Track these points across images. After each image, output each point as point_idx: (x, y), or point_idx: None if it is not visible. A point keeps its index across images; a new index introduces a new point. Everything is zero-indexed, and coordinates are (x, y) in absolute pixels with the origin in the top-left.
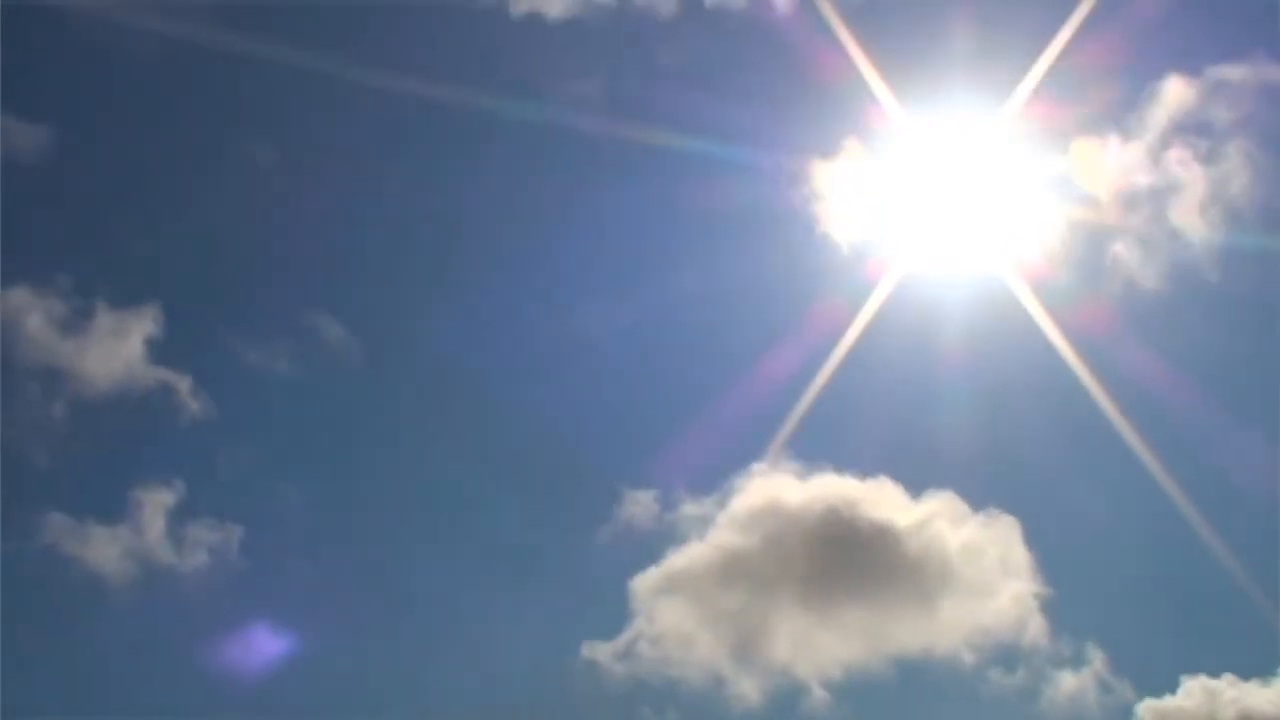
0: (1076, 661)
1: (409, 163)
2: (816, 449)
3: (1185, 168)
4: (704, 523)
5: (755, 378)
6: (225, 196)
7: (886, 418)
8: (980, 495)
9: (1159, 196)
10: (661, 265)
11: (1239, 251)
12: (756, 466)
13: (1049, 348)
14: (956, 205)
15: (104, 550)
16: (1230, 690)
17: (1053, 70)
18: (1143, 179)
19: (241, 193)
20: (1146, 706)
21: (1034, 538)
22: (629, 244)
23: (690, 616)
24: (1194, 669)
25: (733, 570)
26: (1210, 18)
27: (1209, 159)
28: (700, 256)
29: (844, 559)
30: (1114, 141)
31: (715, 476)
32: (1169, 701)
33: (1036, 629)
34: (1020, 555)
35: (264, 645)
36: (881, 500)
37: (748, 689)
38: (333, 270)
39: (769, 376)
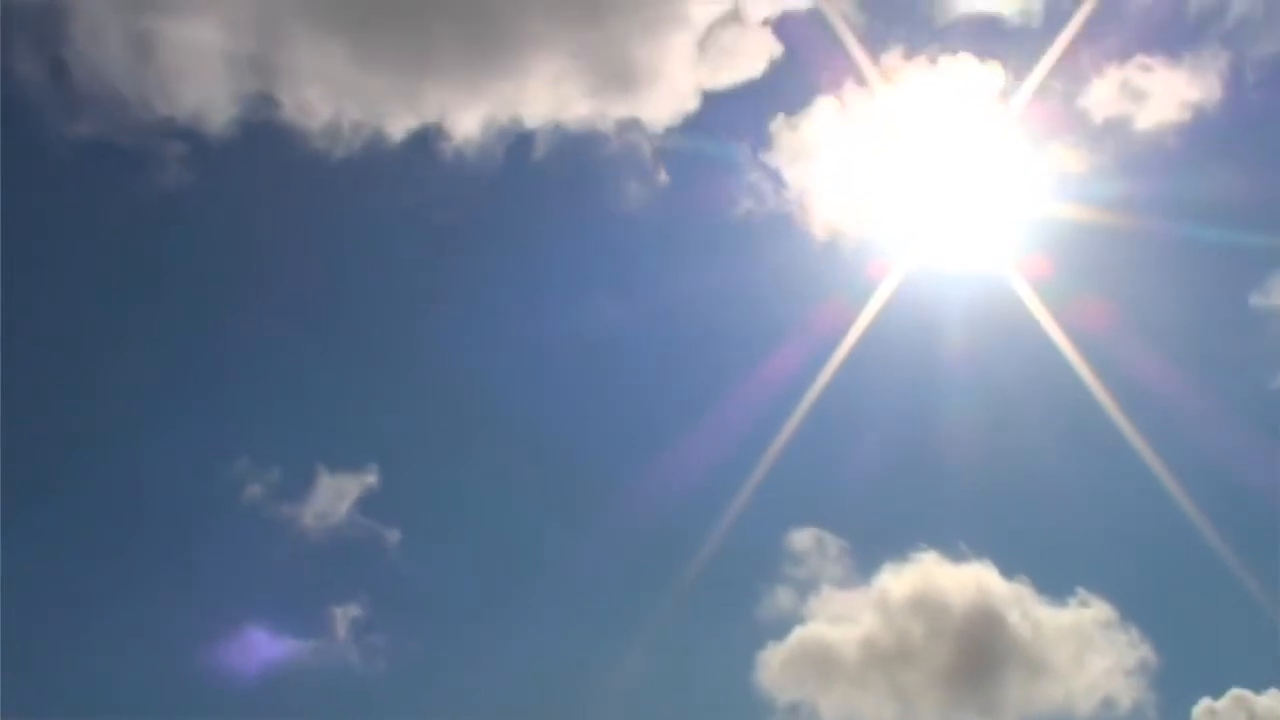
0: None
1: None
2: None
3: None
4: (838, 612)
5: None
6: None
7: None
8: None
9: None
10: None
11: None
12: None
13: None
14: (957, 205)
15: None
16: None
17: (1054, 68)
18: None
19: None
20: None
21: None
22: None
23: (824, 707)
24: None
25: (869, 661)
26: None
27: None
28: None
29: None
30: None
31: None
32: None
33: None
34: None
35: None
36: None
37: None
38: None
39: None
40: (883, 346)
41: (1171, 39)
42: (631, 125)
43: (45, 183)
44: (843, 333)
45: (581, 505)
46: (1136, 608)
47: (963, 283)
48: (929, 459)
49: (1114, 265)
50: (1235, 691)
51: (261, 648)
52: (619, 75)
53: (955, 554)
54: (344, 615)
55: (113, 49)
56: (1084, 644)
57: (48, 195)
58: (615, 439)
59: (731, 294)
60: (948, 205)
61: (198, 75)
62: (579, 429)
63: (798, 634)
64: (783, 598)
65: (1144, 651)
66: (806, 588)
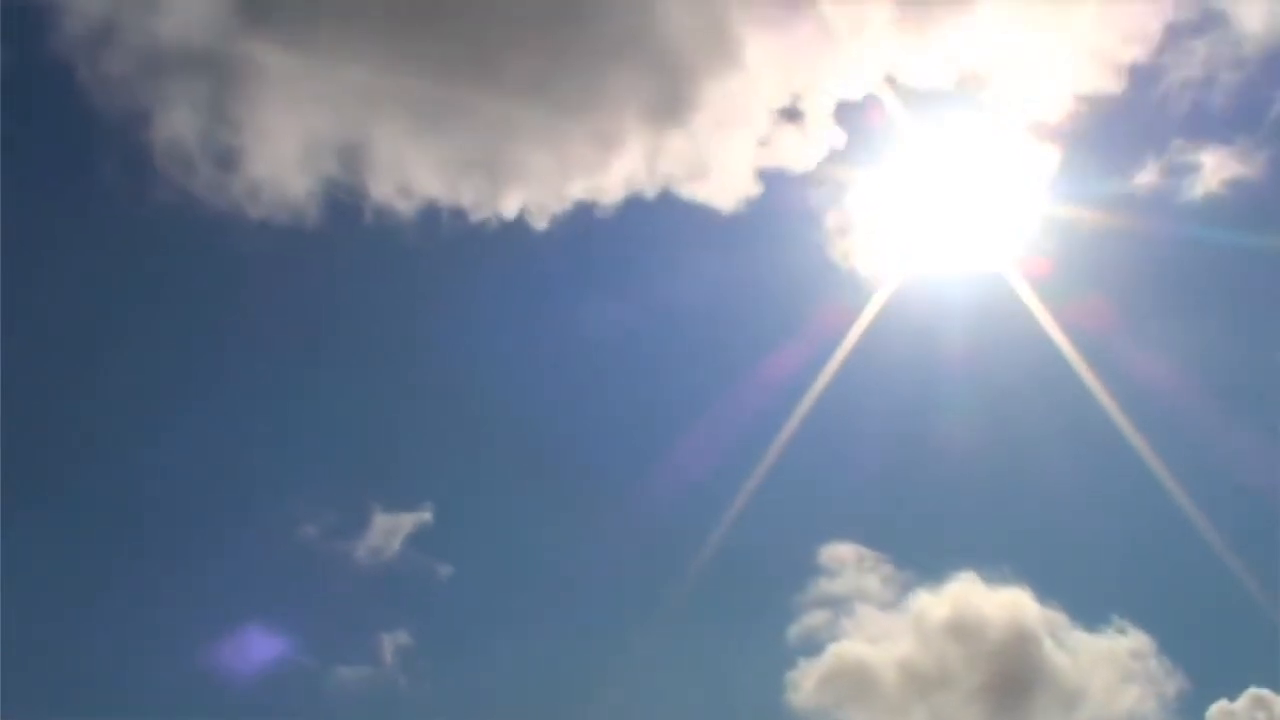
0: None
1: None
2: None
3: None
4: (873, 632)
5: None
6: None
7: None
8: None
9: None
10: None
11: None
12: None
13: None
14: (957, 205)
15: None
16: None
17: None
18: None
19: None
20: (1219, 709)
21: None
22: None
23: None
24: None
25: (902, 681)
26: None
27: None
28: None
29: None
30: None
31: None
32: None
33: None
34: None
35: None
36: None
37: None
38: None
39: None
40: (887, 347)
41: (1212, 126)
42: (697, 209)
43: (143, 271)
44: (843, 333)
45: (622, 537)
46: (1144, 611)
47: (969, 283)
48: (945, 474)
49: (1114, 266)
50: (1253, 691)
51: (291, 664)
52: (688, 164)
53: (993, 577)
54: (392, 642)
55: (197, 153)
56: (1108, 660)
57: (146, 282)
58: (646, 462)
59: (744, 300)
60: (947, 205)
61: (283, 174)
62: (627, 471)
63: (832, 651)
64: (816, 616)
65: (1161, 660)
66: (839, 605)
